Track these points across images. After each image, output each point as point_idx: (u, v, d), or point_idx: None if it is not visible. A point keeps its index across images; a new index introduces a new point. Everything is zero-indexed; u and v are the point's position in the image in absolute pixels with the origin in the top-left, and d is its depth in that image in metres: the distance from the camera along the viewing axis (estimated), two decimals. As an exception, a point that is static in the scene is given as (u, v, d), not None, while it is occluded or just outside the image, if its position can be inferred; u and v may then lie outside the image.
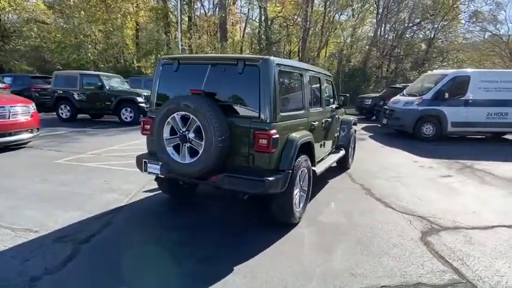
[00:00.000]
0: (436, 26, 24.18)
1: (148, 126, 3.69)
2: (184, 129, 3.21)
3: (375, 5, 25.00)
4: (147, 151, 3.87)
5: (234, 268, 2.77)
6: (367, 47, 24.34)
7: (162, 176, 3.61)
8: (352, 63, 22.55)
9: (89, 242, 3.15)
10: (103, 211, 3.87)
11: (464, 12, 24.41)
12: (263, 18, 25.60)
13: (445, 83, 9.34)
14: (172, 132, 3.31)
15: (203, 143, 3.10)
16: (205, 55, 5.03)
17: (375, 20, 25.55)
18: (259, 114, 3.15)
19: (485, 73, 9.81)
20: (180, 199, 4.36)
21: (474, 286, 2.61)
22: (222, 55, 4.73)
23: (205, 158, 3.11)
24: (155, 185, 4.32)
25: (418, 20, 24.13)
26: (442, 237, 3.45)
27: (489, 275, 2.77)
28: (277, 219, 3.55)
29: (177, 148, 3.31)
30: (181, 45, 19.40)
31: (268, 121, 3.13)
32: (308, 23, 22.28)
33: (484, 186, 5.40)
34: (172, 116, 3.24)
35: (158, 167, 3.50)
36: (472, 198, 4.76)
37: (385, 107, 10.91)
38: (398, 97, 10.81)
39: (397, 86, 14.67)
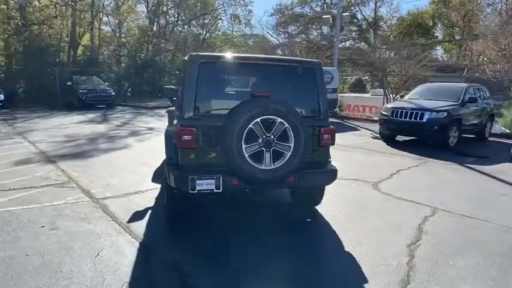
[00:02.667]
0: (205, 22, 27.54)
1: (190, 137, 3.15)
2: (268, 134, 3.11)
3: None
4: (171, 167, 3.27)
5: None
6: (145, 38, 24.47)
7: (218, 191, 3.23)
8: (143, 55, 22.17)
9: None
10: None
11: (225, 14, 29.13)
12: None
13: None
14: (250, 138, 3.10)
15: (292, 145, 3.17)
16: (255, 55, 4.37)
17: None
18: (320, 113, 3.53)
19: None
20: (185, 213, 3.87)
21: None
22: (278, 57, 4.39)
23: (292, 160, 3.21)
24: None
25: (185, 17, 26.64)
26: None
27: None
28: (316, 204, 4.05)
29: (256, 155, 3.14)
30: None
31: (326, 118, 3.57)
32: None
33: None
34: (255, 121, 3.04)
35: (213, 181, 3.17)
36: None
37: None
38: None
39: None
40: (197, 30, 28.43)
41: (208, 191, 3.22)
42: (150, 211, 4.08)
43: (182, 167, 3.28)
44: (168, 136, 3.74)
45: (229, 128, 3.03)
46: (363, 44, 36.55)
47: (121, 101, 19.22)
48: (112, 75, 23.03)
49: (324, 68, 14.28)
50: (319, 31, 38.32)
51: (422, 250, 3.29)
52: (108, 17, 26.14)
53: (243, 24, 29.31)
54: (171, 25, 27.44)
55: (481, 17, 39.14)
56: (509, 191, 5.34)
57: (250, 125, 3.05)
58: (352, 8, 36.25)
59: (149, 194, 4.67)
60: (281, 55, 26.28)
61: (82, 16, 24.20)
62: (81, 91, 16.33)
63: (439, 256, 3.17)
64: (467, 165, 6.80)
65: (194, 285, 2.70)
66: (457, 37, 40.57)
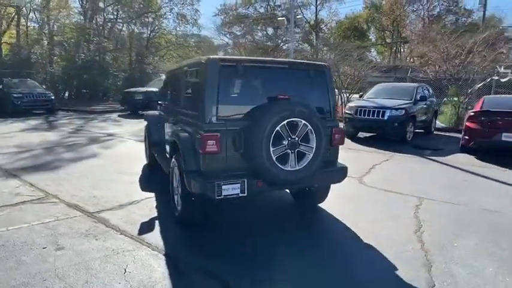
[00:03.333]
0: (148, 20, 26.49)
1: (215, 143, 3.13)
2: (293, 136, 3.20)
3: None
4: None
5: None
6: (85, 36, 22.88)
7: (243, 195, 3.25)
8: (83, 56, 20.61)
9: None
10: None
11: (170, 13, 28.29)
12: None
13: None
14: (277, 141, 3.16)
15: (314, 146, 3.30)
16: (270, 59, 4.27)
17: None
18: (331, 114, 3.71)
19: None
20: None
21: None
22: (289, 60, 4.32)
23: (314, 161, 3.34)
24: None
25: (126, 15, 25.39)
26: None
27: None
28: (321, 201, 4.23)
29: (282, 157, 3.21)
30: None
31: (335, 119, 3.77)
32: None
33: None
34: (282, 124, 3.11)
35: (238, 185, 3.19)
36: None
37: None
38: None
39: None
40: (139, 29, 27.24)
41: (234, 196, 3.22)
42: (157, 221, 3.91)
43: (205, 173, 3.22)
44: (173, 141, 3.69)
45: (258, 131, 3.06)
46: (306, 45, 38.13)
47: (60, 105, 17.68)
48: (46, 77, 21.11)
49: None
50: (264, 32, 39.13)
51: (427, 236, 3.64)
52: (35, 13, 23.92)
53: (190, 24, 28.74)
54: (109, 23, 25.92)
55: (407, 22, 43.27)
56: (469, 177, 6.07)
57: (278, 128, 3.11)
58: (295, 11, 37.59)
59: (146, 203, 4.46)
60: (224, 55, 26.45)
61: (3, 11, 21.85)
62: (15, 95, 14.69)
63: (443, 240, 3.54)
64: (428, 157, 7.57)
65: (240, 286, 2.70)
66: (388, 40, 44.35)
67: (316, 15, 39.31)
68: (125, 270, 2.88)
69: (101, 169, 6.18)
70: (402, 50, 43.16)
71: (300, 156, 3.30)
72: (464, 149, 7.85)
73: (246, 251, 3.29)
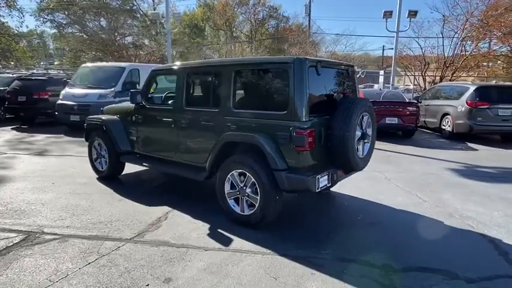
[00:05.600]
0: None
1: (311, 139, 3.46)
2: (364, 127, 3.84)
3: None
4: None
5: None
6: None
7: (329, 185, 3.69)
8: None
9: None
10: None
11: None
12: None
13: (127, 74, 10.63)
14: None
15: (371, 136, 4.04)
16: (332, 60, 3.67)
17: None
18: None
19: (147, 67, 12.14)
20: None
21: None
22: (342, 62, 4.25)
23: (372, 147, 4.10)
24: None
25: None
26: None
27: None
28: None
29: (357, 146, 3.80)
30: None
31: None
32: None
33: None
34: (359, 118, 3.71)
35: (327, 177, 3.65)
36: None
37: (65, 102, 10.05)
38: (74, 90, 10.35)
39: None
40: None
41: (325, 187, 3.60)
42: (222, 229, 3.77)
43: (301, 169, 3.45)
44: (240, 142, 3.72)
45: (348, 125, 3.53)
46: (147, 40, 36.66)
47: None
48: None
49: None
50: (97, 23, 35.33)
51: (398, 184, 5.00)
52: None
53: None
54: None
55: (236, 23, 47.84)
56: (387, 153, 8.07)
57: (358, 121, 3.68)
58: (132, 4, 35.50)
59: (182, 217, 4.11)
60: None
61: None
62: None
63: (405, 183, 4.97)
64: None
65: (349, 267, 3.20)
66: (222, 39, 47.78)
67: (154, 9, 38.32)
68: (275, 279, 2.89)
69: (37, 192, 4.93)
70: (234, 49, 47.51)
71: (366, 144, 3.96)
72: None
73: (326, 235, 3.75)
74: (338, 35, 52.23)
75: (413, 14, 13.25)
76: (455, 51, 13.04)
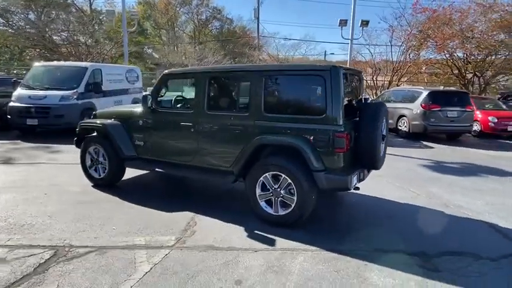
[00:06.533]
0: None
1: (348, 141, 3.76)
2: (383, 129, 4.24)
3: None
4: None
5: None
6: None
7: (357, 184, 4.03)
8: None
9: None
10: None
11: None
12: None
13: (89, 74, 9.99)
14: (379, 135, 4.12)
15: (387, 136, 4.46)
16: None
17: None
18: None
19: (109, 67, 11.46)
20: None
21: None
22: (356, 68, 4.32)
23: (386, 147, 4.52)
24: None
25: None
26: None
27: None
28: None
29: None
30: None
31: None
32: None
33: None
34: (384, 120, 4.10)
35: (357, 176, 4.00)
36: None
37: (20, 104, 9.13)
38: (29, 91, 9.44)
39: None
40: None
41: (355, 185, 3.92)
42: (262, 231, 3.87)
43: (336, 169, 3.72)
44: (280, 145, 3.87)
45: (378, 127, 3.89)
46: (82, 37, 34.25)
47: None
48: None
49: (128, 66, 14.65)
50: (24, 15, 32.13)
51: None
52: None
53: None
54: None
55: (178, 23, 47.02)
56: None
57: (382, 124, 4.06)
58: (66, -3, 32.85)
59: (203, 229, 4.12)
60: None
61: None
62: None
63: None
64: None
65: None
66: (164, 38, 46.47)
67: (90, 5, 36.05)
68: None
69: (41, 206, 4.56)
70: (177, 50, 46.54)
71: (383, 144, 4.36)
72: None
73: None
74: (286, 39, 53.93)
75: (365, 23, 14.41)
76: (402, 59, 14.48)
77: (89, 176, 5.32)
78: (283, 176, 3.86)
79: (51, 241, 3.53)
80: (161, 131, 4.74)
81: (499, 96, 15.09)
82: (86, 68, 10.07)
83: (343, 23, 14.25)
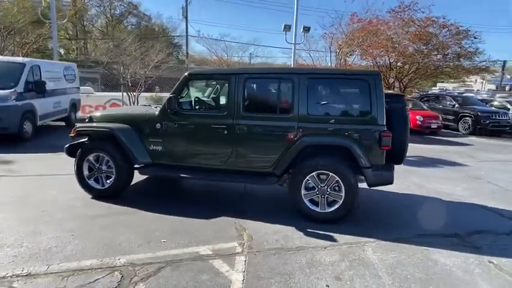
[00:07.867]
0: None
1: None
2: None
3: None
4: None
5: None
6: None
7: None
8: None
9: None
10: None
11: None
12: None
13: (28, 71, 8.69)
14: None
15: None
16: None
17: None
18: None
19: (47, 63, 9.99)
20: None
21: None
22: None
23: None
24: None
25: None
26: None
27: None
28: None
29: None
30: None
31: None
32: None
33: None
34: (406, 119, 4.58)
35: (393, 171, 4.43)
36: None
37: None
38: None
39: None
40: None
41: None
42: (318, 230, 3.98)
43: (379, 166, 4.06)
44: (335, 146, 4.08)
45: (406, 128, 4.33)
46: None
47: None
48: None
49: (65, 63, 13.81)
50: None
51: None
52: None
53: None
54: None
55: (88, 17, 43.31)
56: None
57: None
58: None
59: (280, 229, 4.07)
60: None
61: None
62: None
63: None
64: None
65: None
66: (71, 32, 42.19)
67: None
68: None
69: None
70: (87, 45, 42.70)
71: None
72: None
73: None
74: (217, 40, 53.12)
75: (306, 29, 15.38)
76: (337, 63, 15.80)
77: (87, 187, 4.73)
78: (331, 174, 4.04)
79: (101, 262, 3.12)
80: (186, 134, 4.48)
81: (418, 97, 17.55)
82: (23, 65, 8.67)
83: (287, 28, 14.98)
